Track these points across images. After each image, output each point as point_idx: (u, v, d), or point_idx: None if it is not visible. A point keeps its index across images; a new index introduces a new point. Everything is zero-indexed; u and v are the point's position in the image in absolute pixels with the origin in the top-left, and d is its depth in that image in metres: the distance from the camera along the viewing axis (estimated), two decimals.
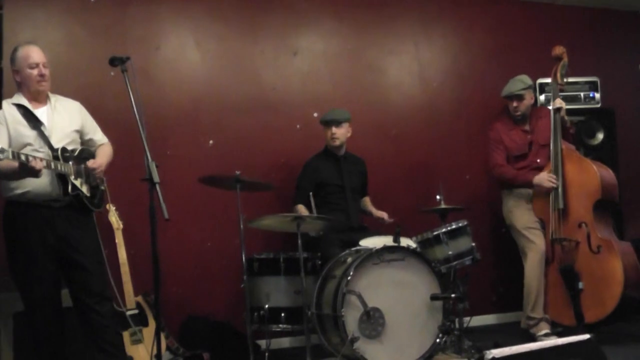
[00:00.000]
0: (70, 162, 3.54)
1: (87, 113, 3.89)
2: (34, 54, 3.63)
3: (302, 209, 4.73)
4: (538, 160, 4.98)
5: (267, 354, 4.20)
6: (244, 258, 4.11)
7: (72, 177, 3.51)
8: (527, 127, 5.06)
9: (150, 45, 4.97)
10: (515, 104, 5.01)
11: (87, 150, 3.76)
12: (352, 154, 5.06)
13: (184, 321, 4.62)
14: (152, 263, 3.18)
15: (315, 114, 5.07)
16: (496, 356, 2.30)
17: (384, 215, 4.94)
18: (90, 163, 3.61)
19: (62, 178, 3.49)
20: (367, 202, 5.15)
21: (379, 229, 4.80)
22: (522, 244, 4.93)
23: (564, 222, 4.71)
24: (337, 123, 4.85)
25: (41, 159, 3.30)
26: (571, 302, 4.58)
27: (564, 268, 4.65)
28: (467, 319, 4.41)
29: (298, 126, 5.31)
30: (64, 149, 3.55)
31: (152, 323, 4.16)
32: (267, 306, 4.13)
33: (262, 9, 5.34)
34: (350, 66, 5.60)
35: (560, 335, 4.60)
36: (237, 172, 4.17)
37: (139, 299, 4.20)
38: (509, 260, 5.33)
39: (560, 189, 4.73)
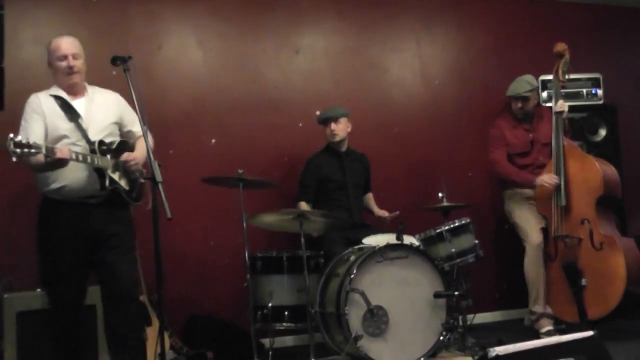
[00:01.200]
0: (108, 155, 3.46)
1: (127, 104, 3.80)
2: (63, 45, 3.55)
3: (304, 207, 4.73)
4: (540, 158, 4.98)
5: (270, 353, 4.20)
6: (247, 256, 4.12)
7: (110, 171, 3.43)
8: (528, 126, 5.06)
9: (152, 44, 4.97)
10: (520, 104, 5.01)
11: (125, 143, 3.68)
12: (354, 151, 5.06)
13: (187, 320, 4.63)
14: (154, 262, 3.20)
15: (318, 112, 5.07)
16: (500, 353, 2.29)
17: (385, 214, 4.94)
18: (125, 156, 3.53)
19: (99, 172, 3.42)
20: (369, 198, 5.15)
21: (381, 226, 4.80)
22: (522, 238, 4.94)
23: (566, 219, 4.71)
24: (335, 119, 4.86)
25: (71, 150, 3.25)
26: (574, 298, 4.58)
27: (566, 265, 4.66)
28: (470, 316, 4.41)
29: (300, 124, 5.31)
30: (101, 142, 3.46)
31: (155, 322, 4.16)
32: (270, 305, 4.13)
33: (263, 7, 5.34)
34: (352, 64, 5.60)
35: (563, 332, 4.60)
36: (240, 171, 4.17)
37: (142, 298, 4.21)
38: (511, 257, 5.32)
39: (562, 186, 4.73)
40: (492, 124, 5.16)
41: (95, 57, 4.63)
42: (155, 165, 3.14)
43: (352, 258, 4.05)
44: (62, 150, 3.20)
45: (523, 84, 5.00)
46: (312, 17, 5.54)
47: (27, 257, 4.36)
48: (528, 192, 4.95)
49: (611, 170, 4.78)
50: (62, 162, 3.22)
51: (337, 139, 4.89)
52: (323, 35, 5.57)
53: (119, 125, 3.72)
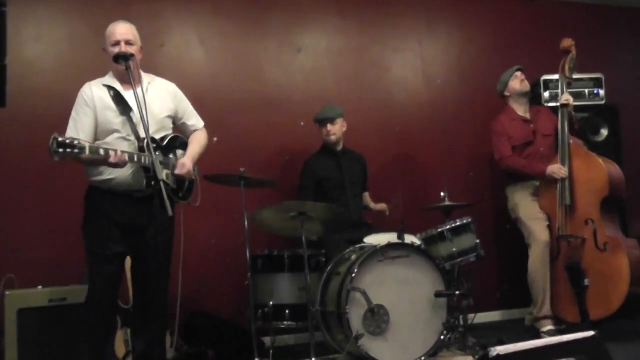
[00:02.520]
0: (157, 152, 3.36)
1: (183, 97, 3.76)
2: (117, 30, 3.48)
3: None
4: (542, 149, 4.97)
5: (271, 351, 4.20)
6: (248, 255, 4.12)
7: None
8: (528, 117, 5.07)
9: (154, 42, 4.97)
10: (521, 77, 5.05)
11: (179, 138, 3.65)
12: (351, 150, 5.06)
13: (188, 319, 4.62)
14: (156, 260, 3.20)
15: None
16: (500, 353, 2.29)
17: (383, 207, 4.94)
18: (178, 170, 3.48)
19: (146, 170, 3.33)
20: (366, 197, 5.15)
21: (382, 225, 4.79)
22: (526, 235, 4.92)
23: (570, 219, 4.70)
24: (332, 120, 4.87)
25: (122, 152, 3.22)
26: (576, 299, 4.56)
27: (569, 265, 4.64)
28: (471, 316, 4.41)
29: (302, 123, 5.30)
30: (151, 140, 3.33)
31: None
32: (271, 303, 4.13)
33: (266, 6, 5.34)
34: (354, 63, 5.60)
35: (563, 332, 4.59)
36: (242, 169, 4.17)
37: None
38: (513, 257, 5.33)
39: (567, 185, 4.71)
40: (494, 120, 5.14)
41: (98, 55, 4.64)
42: (157, 164, 3.13)
43: (354, 257, 4.05)
44: (117, 155, 3.17)
45: (511, 69, 5.13)
46: (314, 16, 5.54)
47: (28, 254, 4.39)
48: (531, 185, 4.93)
49: (616, 170, 4.75)
50: (118, 166, 3.21)
51: (334, 139, 4.90)
52: (325, 35, 5.57)
53: (173, 118, 3.67)
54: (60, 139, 2.99)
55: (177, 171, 3.51)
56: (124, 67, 3.38)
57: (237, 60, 5.23)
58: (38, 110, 4.48)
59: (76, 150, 3.02)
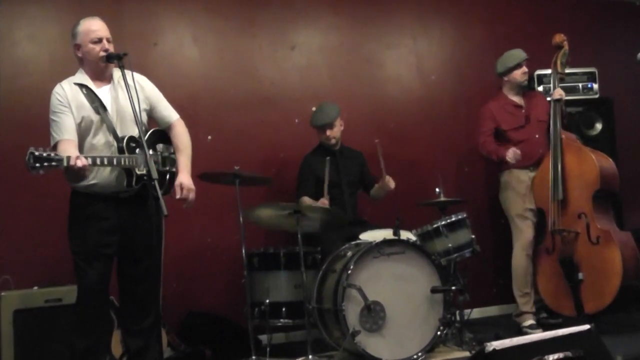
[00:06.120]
0: (137, 150, 3.29)
1: (154, 88, 3.62)
2: (97, 27, 3.36)
3: (307, 200, 4.70)
4: (537, 136, 4.94)
5: (268, 349, 4.21)
6: (244, 253, 4.12)
7: (138, 170, 3.25)
8: (521, 102, 5.04)
9: (148, 41, 4.95)
10: (525, 68, 4.97)
11: (158, 132, 3.57)
12: (348, 147, 5.04)
13: (184, 317, 4.62)
14: (152, 259, 3.19)
15: (314, 108, 5.06)
16: (497, 348, 2.30)
17: (387, 181, 4.80)
18: (183, 194, 3.38)
19: (127, 170, 3.26)
20: (375, 189, 5.04)
21: (378, 222, 4.80)
22: (512, 230, 4.96)
23: (563, 213, 4.71)
24: (330, 126, 4.82)
25: (104, 157, 3.16)
26: (571, 293, 4.58)
27: (563, 259, 4.66)
28: (467, 311, 4.42)
29: (296, 120, 5.30)
30: (130, 139, 3.30)
31: None
32: (267, 301, 4.15)
33: (259, 3, 5.33)
34: (348, 60, 5.60)
35: (560, 325, 4.61)
36: (236, 167, 4.17)
37: None
38: (508, 252, 5.31)
39: (559, 180, 4.71)
40: (484, 106, 5.08)
41: None
42: (151, 162, 3.11)
43: (349, 254, 4.05)
44: (80, 159, 3.04)
45: (517, 52, 5.00)
46: (308, 13, 5.53)
47: (24, 254, 4.38)
48: (525, 177, 4.89)
49: (609, 164, 4.75)
50: (82, 172, 3.08)
51: (334, 142, 4.86)
52: (319, 32, 5.56)
53: (148, 111, 3.56)
54: (36, 154, 2.91)
55: (181, 196, 3.39)
56: (113, 66, 3.37)
57: (231, 58, 5.22)
58: (31, 110, 4.44)
59: (54, 163, 2.94)
